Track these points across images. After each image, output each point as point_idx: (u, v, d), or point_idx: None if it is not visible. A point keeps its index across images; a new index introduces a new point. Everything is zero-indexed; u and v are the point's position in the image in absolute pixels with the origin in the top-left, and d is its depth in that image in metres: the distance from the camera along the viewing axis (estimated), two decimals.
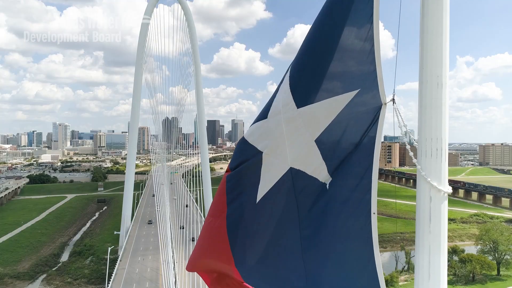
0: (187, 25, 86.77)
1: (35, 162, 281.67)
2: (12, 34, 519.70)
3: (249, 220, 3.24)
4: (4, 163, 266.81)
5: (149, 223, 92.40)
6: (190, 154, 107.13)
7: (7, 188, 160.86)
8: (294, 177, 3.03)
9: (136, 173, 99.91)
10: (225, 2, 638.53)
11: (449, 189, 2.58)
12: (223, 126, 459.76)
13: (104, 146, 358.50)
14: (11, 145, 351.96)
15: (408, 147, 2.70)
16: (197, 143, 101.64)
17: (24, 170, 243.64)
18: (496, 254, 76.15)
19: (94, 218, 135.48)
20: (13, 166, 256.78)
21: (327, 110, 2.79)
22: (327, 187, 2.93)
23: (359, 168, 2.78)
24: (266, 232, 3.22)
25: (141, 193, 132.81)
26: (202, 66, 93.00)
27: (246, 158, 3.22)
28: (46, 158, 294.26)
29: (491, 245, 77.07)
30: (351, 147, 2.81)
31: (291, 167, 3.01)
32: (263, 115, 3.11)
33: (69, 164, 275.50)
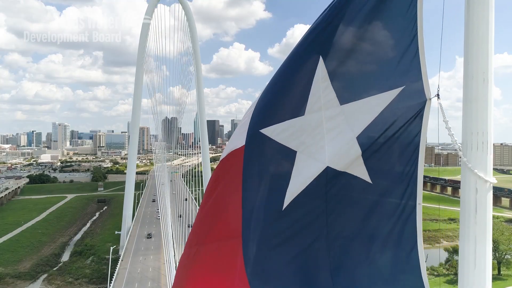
0: (188, 25, 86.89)
1: (34, 162, 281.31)
2: (12, 34, 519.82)
3: (272, 232, 3.00)
4: (4, 163, 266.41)
5: (148, 238, 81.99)
6: (190, 154, 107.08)
7: (7, 188, 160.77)
8: (329, 177, 2.90)
9: (136, 173, 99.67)
10: (225, 2, 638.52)
11: (495, 180, 2.66)
12: (222, 126, 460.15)
13: (103, 146, 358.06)
14: (10, 145, 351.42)
15: (454, 140, 2.76)
16: (197, 143, 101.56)
17: (24, 170, 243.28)
18: (497, 253, 76.29)
19: (95, 218, 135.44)
20: (12, 166, 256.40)
21: (371, 107, 2.79)
22: (367, 184, 2.87)
23: (404, 165, 2.80)
24: (291, 244, 3.01)
25: (142, 193, 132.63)
26: (202, 66, 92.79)
27: (272, 160, 3.03)
28: (45, 158, 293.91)
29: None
30: (394, 144, 2.81)
31: (328, 166, 2.88)
32: (295, 112, 2.93)
33: (69, 164, 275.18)
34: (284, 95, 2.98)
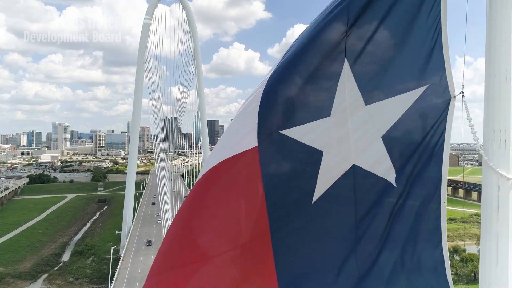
0: (188, 25, 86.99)
1: (34, 162, 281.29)
2: (12, 34, 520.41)
3: (301, 229, 3.02)
4: (4, 163, 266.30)
5: (148, 245, 78.40)
6: (190, 154, 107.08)
7: (7, 188, 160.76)
8: (356, 175, 2.93)
9: (136, 173, 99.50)
10: (225, 2, 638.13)
11: None
12: (222, 126, 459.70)
13: (103, 146, 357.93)
14: (10, 145, 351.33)
15: (476, 139, 2.77)
16: (197, 143, 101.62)
17: (24, 170, 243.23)
18: None
19: (95, 218, 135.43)
20: (12, 166, 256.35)
21: (396, 106, 2.81)
22: (393, 186, 2.90)
23: (429, 164, 2.82)
24: (318, 238, 3.03)
25: (142, 193, 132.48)
26: (202, 66, 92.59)
27: (297, 161, 3.01)
28: (45, 158, 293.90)
29: None
30: (418, 143, 2.84)
31: (354, 164, 2.92)
32: (321, 113, 2.90)
33: (69, 164, 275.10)
34: (308, 97, 2.94)
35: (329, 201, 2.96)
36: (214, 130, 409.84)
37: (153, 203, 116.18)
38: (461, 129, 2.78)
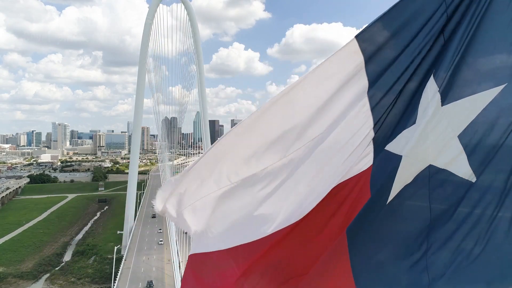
0: (190, 25, 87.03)
1: (34, 162, 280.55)
2: (11, 33, 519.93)
3: (375, 229, 3.02)
4: (4, 163, 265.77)
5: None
6: (190, 154, 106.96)
7: (8, 188, 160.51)
8: (431, 175, 2.94)
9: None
10: (224, 2, 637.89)
11: None
12: (222, 126, 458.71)
13: (103, 146, 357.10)
14: (10, 145, 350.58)
15: None
16: (197, 143, 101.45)
17: (24, 170, 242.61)
18: None
19: (96, 218, 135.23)
20: (12, 166, 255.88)
21: (472, 106, 2.80)
22: (471, 186, 2.89)
23: (507, 162, 2.82)
24: (390, 239, 3.06)
25: (143, 193, 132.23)
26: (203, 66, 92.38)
27: (381, 168, 3.01)
28: (45, 158, 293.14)
29: None
30: (497, 142, 2.82)
31: (430, 165, 2.93)
32: (409, 122, 2.93)
33: (69, 164, 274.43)
34: (400, 110, 2.99)
35: (403, 200, 2.96)
36: (214, 129, 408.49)
37: (153, 216, 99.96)
38: None
